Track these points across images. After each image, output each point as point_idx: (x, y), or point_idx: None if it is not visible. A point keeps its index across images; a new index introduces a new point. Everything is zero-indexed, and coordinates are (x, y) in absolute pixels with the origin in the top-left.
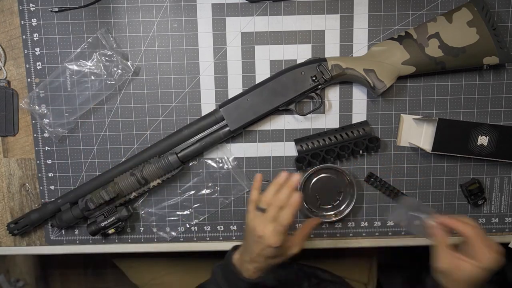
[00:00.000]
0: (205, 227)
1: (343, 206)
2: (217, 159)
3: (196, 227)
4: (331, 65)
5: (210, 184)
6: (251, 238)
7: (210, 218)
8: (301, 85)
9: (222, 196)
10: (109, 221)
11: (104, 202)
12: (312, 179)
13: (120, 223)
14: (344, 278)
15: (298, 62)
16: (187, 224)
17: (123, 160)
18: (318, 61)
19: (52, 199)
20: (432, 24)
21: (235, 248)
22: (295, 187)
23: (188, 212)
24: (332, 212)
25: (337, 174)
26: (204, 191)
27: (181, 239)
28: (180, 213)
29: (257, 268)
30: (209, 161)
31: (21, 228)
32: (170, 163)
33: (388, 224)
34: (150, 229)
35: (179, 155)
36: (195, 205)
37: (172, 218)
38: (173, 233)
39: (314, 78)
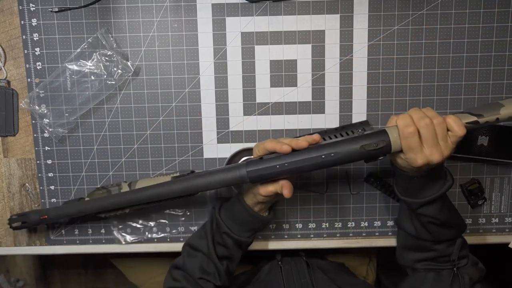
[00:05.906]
0: None
1: None
2: None
3: (196, 227)
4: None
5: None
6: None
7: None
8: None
9: (188, 222)
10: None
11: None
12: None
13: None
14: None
15: (298, 62)
16: (148, 235)
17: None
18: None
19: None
20: None
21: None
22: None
23: (152, 224)
24: None
25: None
26: (174, 212)
27: (181, 239)
28: (141, 221)
29: (263, 207)
30: None
31: (21, 223)
32: None
33: (388, 224)
34: (150, 228)
35: None
36: (160, 220)
37: (134, 225)
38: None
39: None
